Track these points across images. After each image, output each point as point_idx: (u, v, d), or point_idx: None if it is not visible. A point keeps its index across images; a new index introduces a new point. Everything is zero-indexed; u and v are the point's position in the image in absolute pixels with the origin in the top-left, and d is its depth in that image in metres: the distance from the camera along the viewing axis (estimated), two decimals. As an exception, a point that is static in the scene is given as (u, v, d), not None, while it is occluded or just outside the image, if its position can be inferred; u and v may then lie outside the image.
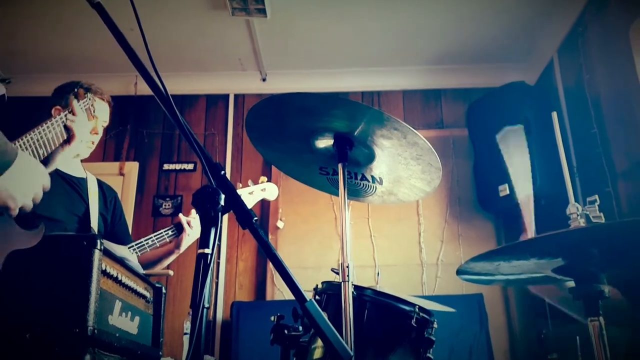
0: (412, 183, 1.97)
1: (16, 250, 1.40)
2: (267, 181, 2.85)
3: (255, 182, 2.82)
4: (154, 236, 2.48)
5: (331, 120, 1.74)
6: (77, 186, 2.45)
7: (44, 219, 2.24)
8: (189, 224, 2.52)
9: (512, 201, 3.84)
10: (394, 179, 1.97)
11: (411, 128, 1.69)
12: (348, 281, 1.63)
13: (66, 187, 2.42)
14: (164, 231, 2.52)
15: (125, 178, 4.31)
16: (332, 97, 1.67)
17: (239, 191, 2.60)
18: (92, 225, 2.40)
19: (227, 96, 4.76)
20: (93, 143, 2.44)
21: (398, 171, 1.92)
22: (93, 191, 2.48)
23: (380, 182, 1.99)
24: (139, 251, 2.44)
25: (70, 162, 2.45)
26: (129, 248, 2.40)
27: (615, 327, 1.77)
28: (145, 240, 2.45)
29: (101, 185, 2.57)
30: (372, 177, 1.97)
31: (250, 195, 2.76)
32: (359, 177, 1.97)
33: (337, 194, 2.08)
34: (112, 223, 2.56)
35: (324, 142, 1.85)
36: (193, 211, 2.52)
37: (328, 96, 1.67)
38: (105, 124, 2.52)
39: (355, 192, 2.06)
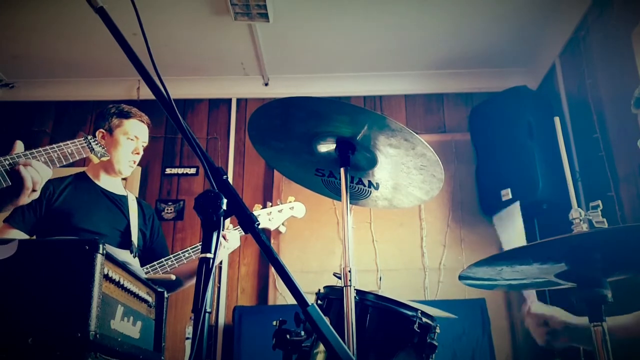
0: (409, 191, 1.97)
1: (19, 254, 1.40)
2: (295, 200, 2.98)
3: (284, 201, 2.95)
4: (173, 257, 2.60)
5: (336, 124, 1.74)
6: (118, 203, 2.62)
7: (88, 232, 2.40)
8: (224, 237, 2.56)
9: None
10: (392, 185, 1.97)
11: (422, 140, 1.69)
12: (350, 286, 1.63)
13: (108, 203, 2.59)
14: (185, 251, 2.62)
15: (127, 182, 4.31)
16: (340, 102, 1.68)
17: (269, 209, 2.85)
18: (132, 239, 2.55)
19: (229, 100, 4.76)
20: (134, 162, 2.66)
21: (398, 179, 1.92)
22: (133, 208, 2.66)
23: (377, 188, 1.99)
24: (160, 269, 2.56)
25: (112, 180, 2.67)
26: (150, 267, 2.54)
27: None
28: (166, 260, 2.58)
29: (140, 203, 2.74)
30: (369, 182, 1.97)
31: (280, 213, 2.89)
32: (355, 181, 1.97)
33: (330, 196, 2.10)
34: (150, 239, 2.71)
35: (326, 146, 1.85)
36: (229, 223, 2.62)
37: (336, 101, 1.67)
38: (145, 144, 2.71)
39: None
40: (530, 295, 1.98)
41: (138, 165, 4.54)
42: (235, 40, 4.24)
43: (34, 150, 1.77)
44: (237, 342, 3.71)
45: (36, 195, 1.78)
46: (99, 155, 2.07)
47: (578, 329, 1.82)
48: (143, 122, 2.69)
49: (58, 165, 1.84)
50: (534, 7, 3.86)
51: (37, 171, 1.73)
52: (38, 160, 1.77)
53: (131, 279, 1.65)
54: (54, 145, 1.84)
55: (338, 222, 4.21)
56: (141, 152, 2.67)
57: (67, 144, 1.89)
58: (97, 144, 2.05)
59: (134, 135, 2.62)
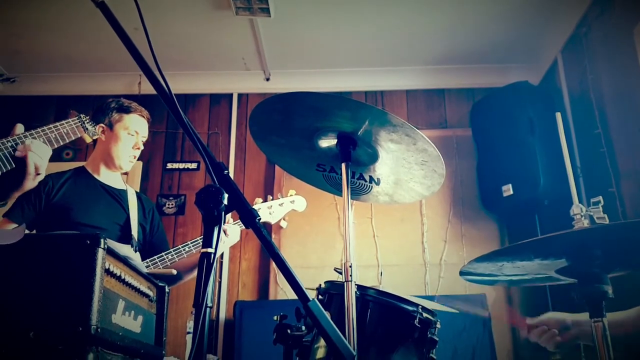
0: (410, 186, 1.96)
1: (20, 249, 1.40)
2: (295, 194, 2.96)
3: (284, 195, 2.93)
4: (174, 251, 2.59)
5: (338, 120, 1.74)
6: (118, 197, 2.62)
7: (88, 227, 2.40)
8: (225, 231, 2.55)
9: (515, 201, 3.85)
10: (393, 181, 1.97)
11: (423, 135, 1.69)
12: (351, 281, 1.63)
13: (108, 198, 2.60)
14: (185, 245, 2.62)
15: (128, 177, 4.31)
16: (341, 98, 1.67)
17: (269, 202, 2.82)
18: (132, 233, 2.55)
19: (230, 95, 4.76)
20: (135, 157, 2.66)
21: (399, 174, 1.92)
22: (133, 202, 2.65)
23: (378, 183, 1.99)
24: (161, 263, 2.56)
25: (112, 175, 2.66)
26: (150, 261, 2.54)
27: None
28: (166, 254, 2.58)
29: (140, 197, 2.74)
30: (370, 177, 1.97)
31: (281, 207, 2.87)
32: (356, 177, 1.97)
33: (331, 191, 2.10)
34: (150, 232, 2.72)
35: (327, 141, 1.85)
36: (229, 218, 2.61)
37: (337, 96, 1.67)
38: (145, 139, 2.70)
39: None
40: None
41: (139, 160, 4.57)
42: (237, 35, 4.23)
43: (32, 132, 1.77)
44: (238, 337, 3.72)
45: (41, 177, 1.79)
46: (91, 134, 2.07)
47: (575, 324, 1.83)
48: (143, 116, 2.68)
49: (56, 146, 1.85)
50: (536, 3, 3.84)
51: (38, 154, 1.73)
52: (37, 140, 1.77)
53: (132, 273, 1.66)
54: (51, 126, 1.84)
55: (339, 217, 4.21)
56: (141, 147, 2.67)
57: (63, 124, 1.89)
58: (89, 123, 2.05)
59: (134, 130, 2.62)
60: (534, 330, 1.92)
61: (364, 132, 1.75)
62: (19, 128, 1.77)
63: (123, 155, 2.60)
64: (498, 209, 4.15)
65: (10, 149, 1.70)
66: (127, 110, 2.63)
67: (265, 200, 2.84)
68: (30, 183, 1.78)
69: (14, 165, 1.70)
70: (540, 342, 1.92)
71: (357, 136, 1.78)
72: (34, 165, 1.73)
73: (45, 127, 1.81)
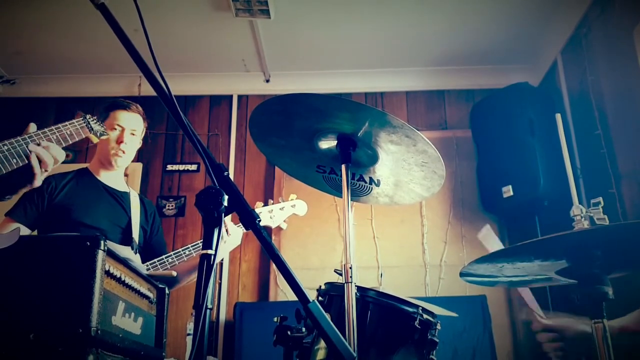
0: (410, 188, 1.97)
1: (20, 250, 1.40)
2: (296, 198, 2.97)
3: (285, 199, 2.94)
4: (174, 254, 2.59)
5: (337, 121, 1.74)
6: (120, 199, 2.63)
7: (89, 228, 2.40)
8: (226, 230, 2.54)
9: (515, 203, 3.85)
10: (393, 182, 1.97)
11: (423, 137, 1.69)
12: (351, 282, 1.63)
13: (110, 199, 2.60)
14: (186, 248, 2.62)
15: (128, 179, 4.31)
16: (341, 99, 1.67)
17: (270, 206, 2.83)
18: (133, 236, 2.55)
19: (230, 97, 4.76)
20: (123, 152, 2.58)
21: (399, 175, 1.92)
22: (135, 205, 2.66)
23: (378, 184, 1.99)
24: (161, 266, 2.56)
25: (112, 176, 2.66)
26: (150, 264, 2.54)
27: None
28: (166, 257, 2.57)
29: (142, 200, 2.75)
30: (370, 178, 1.97)
31: (281, 210, 2.88)
32: (356, 178, 1.97)
33: (331, 192, 2.10)
34: (150, 235, 2.72)
35: (327, 143, 1.85)
36: (228, 219, 2.60)
37: (337, 98, 1.67)
38: (135, 131, 2.64)
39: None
40: (533, 304, 1.91)
41: (139, 161, 4.58)
42: (237, 36, 4.23)
43: (31, 134, 1.75)
44: (238, 339, 3.72)
45: (47, 173, 1.77)
46: (98, 134, 2.03)
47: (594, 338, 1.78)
48: (129, 110, 2.63)
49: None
50: (536, 4, 3.85)
51: (49, 153, 1.72)
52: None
53: (132, 275, 1.66)
54: (53, 127, 1.79)
55: (339, 218, 4.21)
56: (126, 140, 2.58)
57: (66, 125, 1.86)
58: (95, 123, 2.01)
59: (117, 124, 2.58)
60: (546, 333, 1.86)
61: (364, 133, 1.75)
62: (32, 127, 1.76)
63: (111, 152, 2.58)
64: (498, 210, 4.14)
65: (25, 146, 1.68)
66: (111, 108, 2.62)
67: (266, 204, 2.84)
68: (39, 182, 1.76)
69: (26, 162, 1.69)
70: (544, 346, 1.87)
71: (357, 137, 1.78)
72: (39, 167, 1.71)
73: (46, 129, 1.79)
